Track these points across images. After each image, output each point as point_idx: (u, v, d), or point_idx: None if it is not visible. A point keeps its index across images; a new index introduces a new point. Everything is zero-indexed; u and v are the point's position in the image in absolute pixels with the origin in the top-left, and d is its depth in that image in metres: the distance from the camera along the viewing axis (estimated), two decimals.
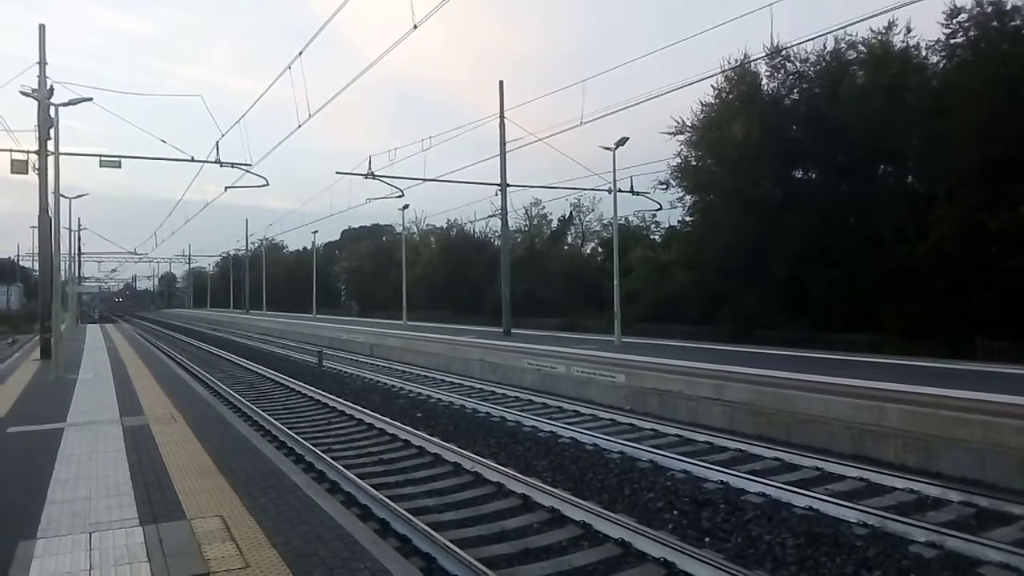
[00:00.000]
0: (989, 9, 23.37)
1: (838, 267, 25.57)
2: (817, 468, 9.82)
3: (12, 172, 22.53)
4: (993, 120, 21.11)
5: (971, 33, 23.98)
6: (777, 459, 10.39)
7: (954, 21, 24.22)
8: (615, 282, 23.88)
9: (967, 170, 22.05)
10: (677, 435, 12.23)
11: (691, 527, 7.60)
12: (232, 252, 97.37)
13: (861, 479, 9.25)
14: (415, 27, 15.22)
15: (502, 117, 29.31)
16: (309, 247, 67.52)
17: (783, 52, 28.59)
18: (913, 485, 8.79)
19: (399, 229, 53.53)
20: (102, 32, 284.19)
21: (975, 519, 7.77)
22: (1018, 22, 22.98)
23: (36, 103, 21.11)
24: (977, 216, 21.52)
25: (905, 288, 24.09)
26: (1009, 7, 23.02)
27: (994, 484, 8.72)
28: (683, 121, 33.31)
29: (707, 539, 7.25)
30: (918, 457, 9.83)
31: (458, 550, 6.57)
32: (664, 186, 35.85)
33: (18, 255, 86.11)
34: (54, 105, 20.38)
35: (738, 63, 29.83)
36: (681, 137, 33.78)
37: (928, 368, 14.92)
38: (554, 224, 60.67)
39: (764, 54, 28.81)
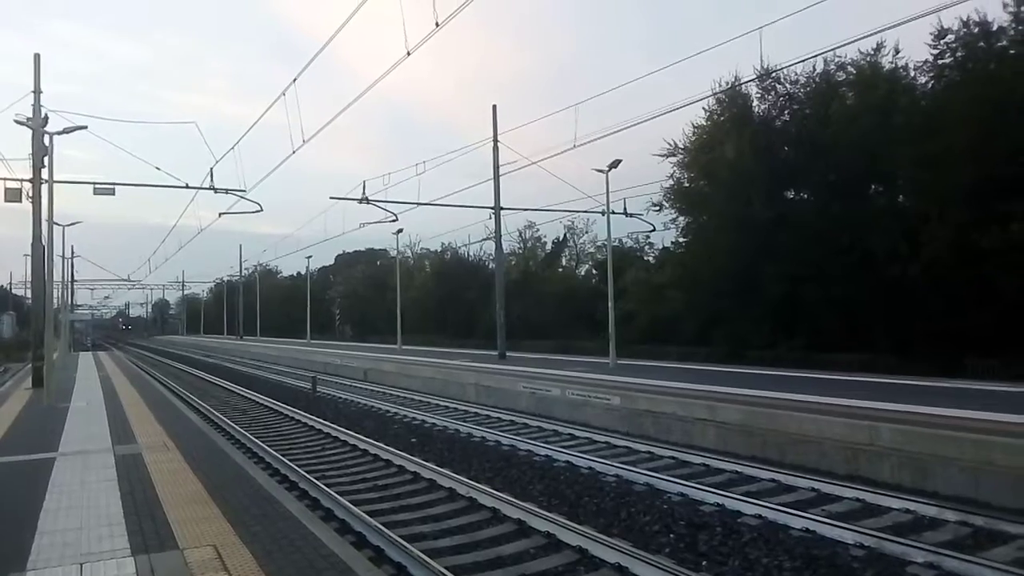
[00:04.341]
0: (976, 30, 23.64)
1: (831, 286, 25.64)
2: (813, 489, 9.80)
3: (6, 200, 22.52)
4: (982, 139, 21.29)
5: (959, 54, 24.23)
6: (773, 480, 10.37)
7: (941, 42, 24.46)
8: (609, 304, 23.92)
9: (957, 189, 22.20)
10: (672, 457, 12.20)
11: (688, 551, 7.56)
12: (226, 278, 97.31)
13: (857, 499, 9.23)
14: (408, 54, 15.35)
15: (495, 141, 29.52)
16: (303, 272, 67.59)
17: (773, 74, 28.86)
18: (909, 505, 8.77)
19: (393, 253, 53.67)
20: (97, 59, 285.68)
21: (972, 539, 7.75)
22: (1004, 42, 23.25)
23: (30, 131, 21.17)
24: (968, 235, 21.63)
25: (898, 307, 24.16)
26: (995, 28, 23.31)
27: (989, 503, 8.70)
28: (675, 143, 33.52)
29: (704, 563, 7.21)
30: (913, 477, 9.80)
31: None
32: (657, 208, 36.00)
33: (11, 283, 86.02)
34: (48, 133, 20.44)
35: (729, 85, 30.12)
36: (674, 159, 33.97)
37: (921, 387, 14.95)
38: (548, 247, 60.81)
39: (755, 76, 29.09)
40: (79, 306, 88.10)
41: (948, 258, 22.39)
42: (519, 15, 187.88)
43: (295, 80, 19.87)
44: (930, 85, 26.11)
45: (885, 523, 8.33)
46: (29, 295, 32.69)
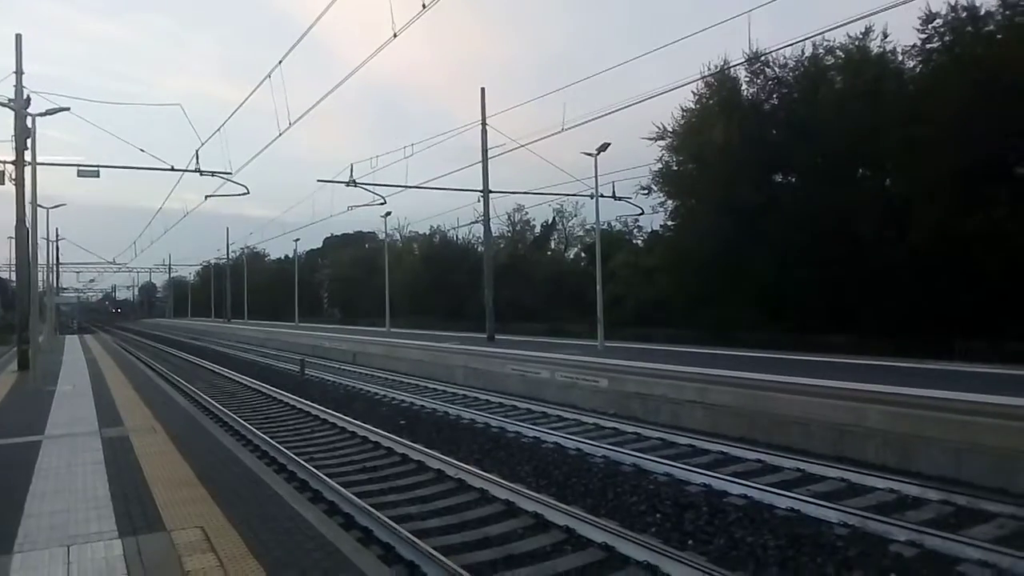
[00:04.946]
0: (963, 15, 23.70)
1: (819, 269, 25.77)
2: (798, 469, 9.90)
3: None
4: (968, 124, 21.37)
5: (946, 38, 24.30)
6: (759, 461, 10.46)
7: (929, 26, 24.52)
8: (598, 287, 23.95)
9: (943, 173, 22.32)
10: (660, 438, 12.27)
11: (674, 530, 7.63)
12: (213, 261, 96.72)
13: (842, 479, 9.33)
14: (395, 35, 15.24)
15: (484, 124, 29.36)
16: (291, 255, 67.30)
17: (762, 58, 28.82)
18: (893, 485, 8.88)
19: (382, 236, 53.44)
20: (81, 40, 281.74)
21: (954, 517, 7.86)
22: (992, 27, 23.31)
23: (12, 113, 20.91)
24: (954, 218, 21.77)
25: (885, 290, 24.32)
26: (983, 12, 23.36)
27: (971, 483, 8.81)
28: (664, 126, 33.50)
29: (690, 541, 7.28)
30: (898, 457, 9.92)
31: (442, 557, 6.55)
32: (646, 191, 36.07)
33: None
34: (31, 115, 20.22)
35: (718, 69, 30.05)
36: (662, 142, 33.96)
37: (907, 368, 15.07)
38: (537, 230, 60.78)
39: (743, 60, 29.04)
40: (65, 289, 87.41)
41: (934, 241, 22.55)
42: None
43: (280, 62, 19.70)
44: (918, 69, 26.17)
45: (869, 502, 8.43)
46: (14, 278, 32.36)
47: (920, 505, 8.31)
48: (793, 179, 30.49)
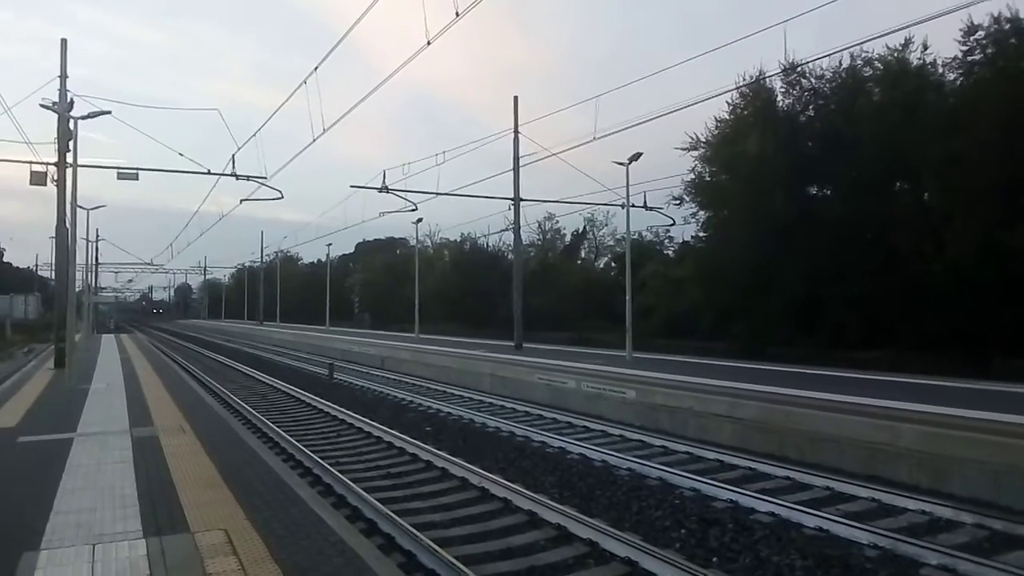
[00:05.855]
0: (1007, 26, 23.27)
1: (854, 284, 25.36)
2: (828, 488, 9.71)
3: (31, 184, 22.73)
4: (1010, 137, 20.94)
5: (988, 50, 23.87)
6: (788, 478, 10.28)
7: (971, 38, 24.12)
8: (627, 297, 23.81)
9: (984, 187, 21.88)
10: (687, 452, 12.13)
11: (699, 546, 7.51)
12: (247, 264, 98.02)
13: (873, 499, 9.12)
14: (428, 43, 15.30)
15: (516, 132, 29.38)
16: (323, 259, 67.91)
17: (798, 68, 28.52)
18: (926, 506, 8.66)
19: (413, 242, 53.72)
20: (121, 44, 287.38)
21: (988, 542, 7.64)
22: None
23: (55, 116, 21.35)
24: (994, 234, 21.32)
25: (922, 305, 23.86)
26: None
27: (1009, 507, 8.55)
28: (697, 137, 33.31)
29: (715, 559, 7.17)
30: (931, 478, 9.68)
31: (463, 567, 6.52)
32: (678, 201, 35.81)
33: (36, 265, 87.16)
34: (73, 118, 20.62)
35: (753, 79, 29.74)
36: (695, 153, 33.77)
37: (943, 387, 14.72)
38: (567, 238, 60.68)
39: (779, 70, 28.74)
40: (103, 289, 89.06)
41: (973, 256, 22.09)
42: (541, 5, 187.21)
43: (316, 69, 19.88)
44: (959, 82, 25.73)
45: (900, 524, 8.23)
46: (54, 277, 33.02)
47: (953, 528, 8.10)
48: (828, 191, 30.10)
